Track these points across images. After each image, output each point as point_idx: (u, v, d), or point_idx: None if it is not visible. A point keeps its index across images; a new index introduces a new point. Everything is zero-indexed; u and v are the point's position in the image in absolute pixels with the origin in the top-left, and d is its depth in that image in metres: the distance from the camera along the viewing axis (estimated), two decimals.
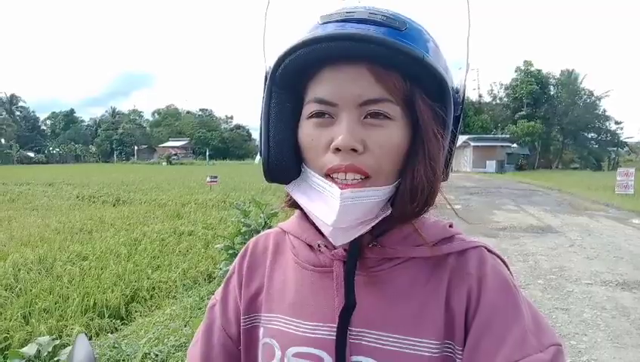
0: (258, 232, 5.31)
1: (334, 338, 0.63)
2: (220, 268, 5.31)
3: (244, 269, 0.77)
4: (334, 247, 0.66)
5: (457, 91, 0.64)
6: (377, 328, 0.63)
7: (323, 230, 0.63)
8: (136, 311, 4.78)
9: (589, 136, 65.28)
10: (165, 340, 3.59)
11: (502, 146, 48.10)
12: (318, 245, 0.68)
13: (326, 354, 0.64)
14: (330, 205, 0.59)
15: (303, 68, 0.60)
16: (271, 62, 0.63)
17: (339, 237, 0.61)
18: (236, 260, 0.80)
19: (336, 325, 0.63)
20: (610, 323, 4.44)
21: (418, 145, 0.60)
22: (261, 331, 0.72)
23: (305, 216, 0.72)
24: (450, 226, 0.69)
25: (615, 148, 64.62)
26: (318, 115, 0.60)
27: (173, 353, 3.38)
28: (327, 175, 0.60)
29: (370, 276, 0.65)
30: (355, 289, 0.63)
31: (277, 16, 0.67)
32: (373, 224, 0.61)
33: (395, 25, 0.58)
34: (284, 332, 0.68)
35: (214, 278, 5.65)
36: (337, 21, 0.59)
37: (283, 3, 0.68)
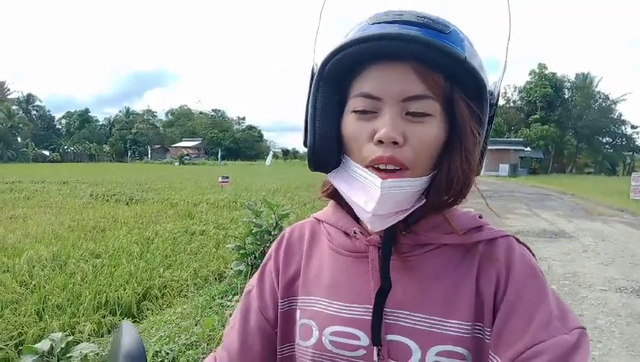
0: (269, 233, 5.33)
1: (370, 318, 0.67)
2: (231, 268, 5.34)
3: (281, 255, 0.81)
4: (369, 234, 0.71)
5: (491, 93, 0.67)
6: (411, 309, 0.66)
7: (361, 217, 0.67)
8: (147, 309, 4.81)
9: (604, 140, 64.56)
10: (176, 338, 3.61)
11: (515, 150, 47.71)
12: (354, 232, 0.73)
13: (362, 332, 0.68)
14: (371, 193, 0.62)
15: (351, 64, 0.64)
16: (318, 59, 0.67)
17: (377, 223, 0.64)
18: (272, 247, 0.84)
19: (371, 306, 0.67)
20: (625, 331, 4.37)
21: (455, 139, 0.63)
22: (298, 313, 0.76)
23: (339, 205, 0.77)
24: (480, 217, 0.73)
25: (630, 153, 63.71)
26: (363, 111, 0.64)
27: (184, 351, 3.39)
28: (368, 166, 0.63)
29: (404, 261, 0.69)
30: (389, 275, 0.66)
31: (328, 16, 0.71)
32: (409, 213, 0.65)
33: (439, 28, 0.62)
34: (322, 313, 0.72)
35: (225, 278, 5.67)
36: (387, 22, 0.63)
37: (334, 4, 0.72)
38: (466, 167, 0.63)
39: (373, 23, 0.64)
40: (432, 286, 0.67)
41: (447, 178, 0.63)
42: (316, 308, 0.73)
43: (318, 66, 0.67)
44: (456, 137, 0.63)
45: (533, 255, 0.70)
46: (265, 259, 0.84)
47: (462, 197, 0.67)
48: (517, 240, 0.70)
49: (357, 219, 0.73)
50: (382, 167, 0.62)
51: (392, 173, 0.62)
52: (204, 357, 3.30)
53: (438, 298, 0.66)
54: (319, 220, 0.82)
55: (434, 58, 0.60)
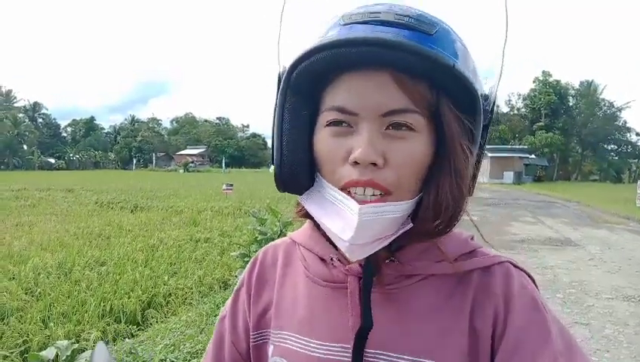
0: (274, 240, 5.36)
1: (348, 359, 0.60)
2: (236, 276, 5.33)
3: (253, 282, 0.74)
4: (348, 261, 0.62)
5: (487, 98, 0.59)
6: (394, 350, 0.58)
7: (339, 245, 0.58)
8: (152, 317, 4.81)
9: (609, 147, 64.35)
10: (181, 346, 3.61)
11: (520, 157, 47.60)
12: (331, 258, 0.65)
13: None
14: (347, 220, 0.54)
15: (320, 73, 0.56)
16: (286, 62, 0.58)
17: (355, 252, 0.56)
18: (245, 272, 0.77)
19: (349, 345, 0.59)
20: (633, 340, 4.33)
21: (443, 159, 0.55)
22: (270, 349, 0.68)
23: (317, 226, 0.67)
24: (472, 239, 0.65)
25: (636, 160, 63.43)
26: (336, 123, 0.56)
27: (189, 360, 3.39)
28: (344, 188, 0.56)
29: (387, 293, 0.61)
30: (371, 311, 0.59)
31: (294, 13, 0.63)
32: (392, 239, 0.57)
33: (423, 28, 0.53)
34: (295, 352, 0.64)
35: (230, 286, 5.67)
36: (360, 23, 0.54)
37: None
38: (457, 192, 0.55)
39: (345, 24, 0.55)
40: (419, 324, 0.59)
41: (435, 203, 0.55)
42: (289, 346, 0.65)
43: (284, 73, 0.58)
44: (445, 157, 0.55)
45: (533, 280, 0.62)
46: (238, 283, 0.77)
47: (453, 225, 0.58)
48: (514, 265, 0.62)
49: (334, 244, 0.63)
50: (359, 191, 0.54)
51: (373, 199, 0.54)
52: None
53: (426, 337, 0.58)
54: (295, 241, 0.73)
55: (417, 65, 0.51)
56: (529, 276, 0.62)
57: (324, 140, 0.57)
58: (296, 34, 0.62)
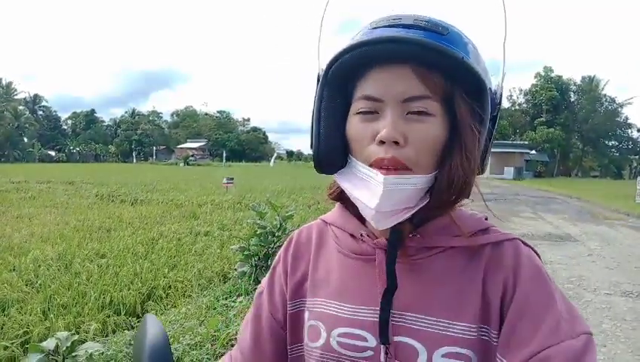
0: (273, 234, 5.34)
1: (377, 319, 0.68)
2: (235, 269, 5.35)
3: (289, 258, 0.83)
4: (376, 236, 0.72)
5: (495, 93, 0.69)
6: (417, 311, 0.67)
7: (365, 214, 0.68)
8: (152, 310, 4.82)
9: (610, 143, 64.28)
10: (180, 338, 3.62)
11: (520, 153, 47.59)
12: (361, 234, 0.74)
13: (369, 334, 0.69)
14: (374, 190, 0.63)
15: (353, 68, 0.66)
16: (323, 65, 0.69)
17: (381, 221, 0.65)
18: (281, 250, 0.86)
19: (378, 308, 0.67)
20: (630, 335, 4.35)
21: (455, 139, 0.64)
22: (306, 314, 0.77)
23: (346, 208, 0.78)
24: (486, 219, 0.74)
25: (636, 157, 63.31)
26: (365, 113, 0.65)
27: (189, 351, 3.40)
28: (371, 165, 0.64)
29: (410, 263, 0.70)
30: (396, 275, 0.67)
31: (329, 23, 0.73)
32: (413, 212, 0.65)
33: (437, 30, 0.63)
34: (329, 315, 0.73)
35: (229, 279, 5.68)
36: (385, 26, 0.64)
37: (335, 11, 0.74)
38: (467, 165, 0.63)
39: (373, 28, 0.66)
40: (439, 289, 0.67)
41: (449, 176, 0.63)
42: (324, 310, 0.74)
43: (323, 70, 0.69)
44: (457, 137, 0.64)
45: (540, 257, 0.70)
46: (274, 261, 0.86)
47: (464, 196, 0.67)
48: (523, 242, 0.70)
49: (364, 222, 0.74)
50: (384, 167, 0.63)
51: (396, 171, 0.63)
52: (208, 358, 3.32)
53: (445, 300, 0.66)
54: (326, 222, 0.83)
55: (432, 59, 0.61)
56: (535, 252, 0.70)
57: (355, 125, 0.67)
58: (331, 41, 0.72)
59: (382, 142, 0.63)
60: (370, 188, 0.64)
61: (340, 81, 0.68)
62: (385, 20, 0.66)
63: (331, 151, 0.70)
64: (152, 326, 0.69)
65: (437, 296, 0.67)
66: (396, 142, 0.62)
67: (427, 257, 0.69)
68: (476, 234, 0.70)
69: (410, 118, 0.63)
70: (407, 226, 0.69)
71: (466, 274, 0.68)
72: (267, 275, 0.86)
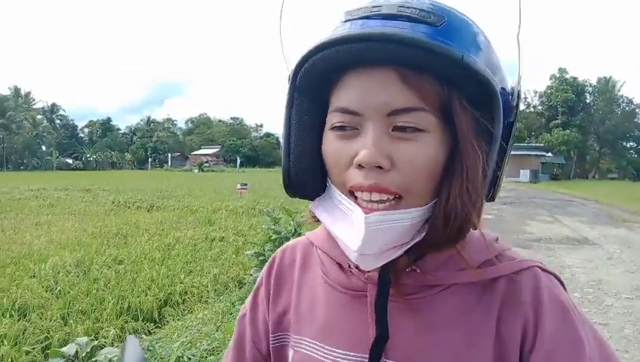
0: (288, 239, 5.34)
1: None
2: (251, 274, 5.36)
3: (272, 282, 0.73)
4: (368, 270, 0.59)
5: (510, 94, 0.55)
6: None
7: (348, 255, 0.55)
8: (169, 315, 4.87)
9: (628, 145, 63.19)
10: (198, 344, 3.65)
11: (536, 155, 47.03)
12: (349, 266, 0.62)
13: None
14: (355, 229, 0.52)
15: (324, 72, 0.53)
16: (291, 65, 0.57)
17: (367, 262, 0.54)
18: (263, 272, 0.76)
19: (367, 356, 0.57)
20: None
21: (456, 160, 0.51)
22: (290, 353, 0.67)
23: None
24: (497, 241, 0.61)
25: None
26: (341, 128, 0.53)
27: (206, 357, 3.42)
28: (351, 192, 0.53)
29: (409, 304, 0.58)
30: (389, 319, 0.56)
31: (296, 13, 0.61)
32: (406, 248, 0.54)
33: (428, 20, 0.49)
34: (314, 359, 0.63)
35: (245, 284, 5.71)
36: (361, 18, 0.51)
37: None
38: (466, 197, 0.50)
39: (346, 20, 0.53)
40: (444, 334, 0.56)
41: (445, 212, 0.51)
42: (309, 352, 0.64)
43: (290, 75, 0.56)
44: (457, 157, 0.51)
45: (562, 283, 0.59)
46: (257, 282, 0.76)
47: (460, 237, 0.54)
48: (542, 268, 0.58)
49: None
50: (365, 196, 0.51)
51: (381, 207, 0.51)
52: None
53: (451, 349, 0.55)
54: (312, 243, 0.72)
55: (421, 59, 0.48)
56: (557, 278, 0.59)
57: (330, 144, 0.55)
58: (304, 34, 0.59)
59: (361, 166, 0.50)
60: (351, 225, 0.53)
61: (312, 87, 0.56)
62: (362, 10, 0.52)
63: (304, 172, 0.58)
64: (132, 348, 0.70)
65: (441, 344, 0.56)
66: (379, 167, 0.50)
67: (429, 297, 0.58)
68: (486, 263, 0.57)
69: (396, 136, 0.50)
70: (403, 260, 0.56)
71: (477, 315, 0.56)
72: (250, 296, 0.76)
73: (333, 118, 0.54)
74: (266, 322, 0.72)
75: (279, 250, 0.76)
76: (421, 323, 0.57)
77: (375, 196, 0.51)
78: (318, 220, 0.61)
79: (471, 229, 0.55)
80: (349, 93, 0.52)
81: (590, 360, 0.51)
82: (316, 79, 0.54)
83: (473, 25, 0.53)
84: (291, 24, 0.60)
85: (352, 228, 0.52)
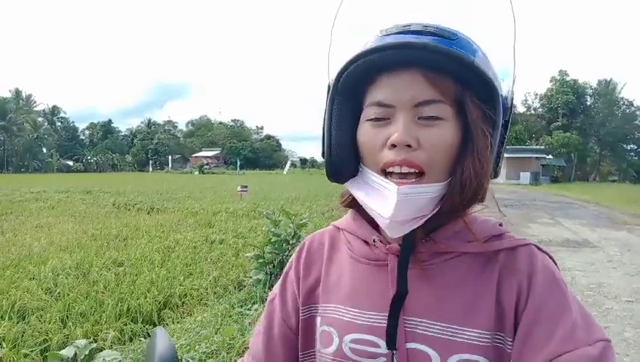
0: (287, 242, 5.34)
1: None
2: (251, 277, 5.36)
3: (302, 264, 0.83)
4: (389, 242, 0.72)
5: (506, 98, 0.68)
6: (430, 317, 0.67)
7: (379, 222, 0.67)
8: (168, 317, 4.85)
9: (628, 147, 63.14)
10: (197, 346, 3.63)
11: (536, 158, 46.95)
12: (374, 240, 0.74)
13: (382, 340, 0.68)
14: (388, 200, 0.63)
15: (363, 75, 0.67)
16: (333, 75, 0.70)
17: (395, 229, 0.66)
18: (293, 256, 0.86)
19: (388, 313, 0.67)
20: None
21: (468, 142, 0.64)
22: (318, 320, 0.77)
23: (358, 214, 0.78)
24: (500, 225, 0.72)
25: None
26: (377, 119, 0.66)
27: (205, 360, 3.41)
28: (383, 170, 0.65)
29: (423, 269, 0.69)
30: (408, 281, 0.67)
31: (338, 34, 0.74)
32: (426, 218, 0.65)
33: (446, 35, 0.64)
34: (341, 321, 0.73)
35: (244, 286, 5.70)
36: (395, 33, 0.66)
37: (344, 21, 0.75)
38: (479, 168, 0.63)
39: (382, 35, 0.67)
40: (452, 295, 0.67)
41: (461, 180, 0.63)
42: (336, 316, 0.74)
43: (333, 79, 0.70)
44: (469, 140, 0.64)
45: (555, 263, 0.69)
46: (286, 267, 0.86)
47: (477, 200, 0.67)
48: (538, 247, 0.69)
49: (376, 228, 0.74)
50: (396, 170, 0.64)
51: (408, 179, 0.63)
52: None
53: (458, 306, 0.66)
54: (339, 228, 0.83)
55: (442, 63, 0.62)
56: (550, 257, 0.69)
57: (366, 132, 0.67)
58: (340, 51, 0.73)
59: (393, 146, 0.63)
60: (383, 198, 0.64)
61: (350, 88, 0.69)
62: (394, 28, 0.67)
63: (343, 160, 0.70)
64: (161, 339, 0.71)
65: (450, 302, 0.67)
66: (408, 146, 0.62)
67: (440, 263, 0.69)
68: (490, 240, 0.69)
69: (421, 123, 0.63)
70: (420, 232, 0.68)
71: (480, 280, 0.67)
72: (279, 281, 0.86)
73: (369, 111, 0.67)
74: (295, 301, 0.81)
75: (308, 237, 0.88)
76: (432, 285, 0.68)
77: (405, 169, 0.63)
78: (347, 205, 0.79)
79: (477, 215, 0.71)
80: (383, 90, 0.65)
81: (574, 322, 0.60)
82: (355, 81, 0.67)
83: (474, 43, 0.67)
84: (334, 44, 0.74)
85: (385, 199, 0.64)
